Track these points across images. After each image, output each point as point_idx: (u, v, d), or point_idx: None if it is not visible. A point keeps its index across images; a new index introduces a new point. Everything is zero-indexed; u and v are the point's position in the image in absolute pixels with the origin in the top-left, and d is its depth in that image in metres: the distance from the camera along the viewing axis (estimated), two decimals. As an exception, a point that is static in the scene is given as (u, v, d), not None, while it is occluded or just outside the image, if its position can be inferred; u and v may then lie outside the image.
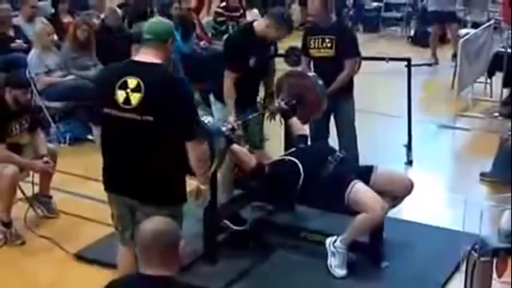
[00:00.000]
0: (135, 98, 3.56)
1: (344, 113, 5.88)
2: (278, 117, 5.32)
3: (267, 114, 5.34)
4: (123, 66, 3.75)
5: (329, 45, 5.70)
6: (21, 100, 5.24)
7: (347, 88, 5.82)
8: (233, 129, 4.74)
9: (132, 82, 3.57)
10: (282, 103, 5.29)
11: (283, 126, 5.45)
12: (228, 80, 5.10)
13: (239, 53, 5.12)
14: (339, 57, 5.69)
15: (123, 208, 3.85)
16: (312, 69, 5.85)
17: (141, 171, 3.67)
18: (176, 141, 3.60)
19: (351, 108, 5.91)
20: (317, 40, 5.73)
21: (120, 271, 4.04)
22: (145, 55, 3.69)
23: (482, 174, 6.27)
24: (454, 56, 10.62)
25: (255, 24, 5.21)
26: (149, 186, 3.67)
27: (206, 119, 4.29)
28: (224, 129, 4.62)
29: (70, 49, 7.59)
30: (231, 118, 4.99)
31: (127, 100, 3.57)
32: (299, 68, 5.93)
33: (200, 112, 4.34)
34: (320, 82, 5.37)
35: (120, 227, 3.94)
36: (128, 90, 3.57)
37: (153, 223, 2.87)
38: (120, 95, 3.59)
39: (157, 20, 3.87)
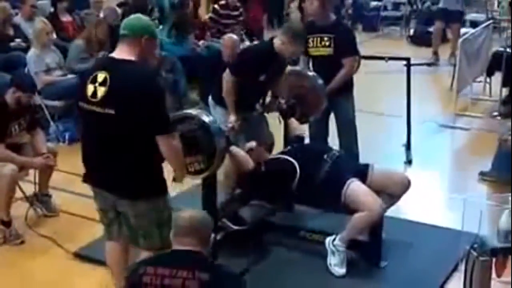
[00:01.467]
0: (100, 91, 3.58)
1: (344, 112, 5.88)
2: (277, 115, 5.32)
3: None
4: (99, 62, 3.82)
5: (327, 43, 5.69)
6: (23, 102, 5.25)
7: (347, 87, 5.81)
8: (233, 129, 4.74)
9: (101, 76, 3.60)
10: (282, 103, 5.30)
11: (282, 127, 5.46)
12: (229, 82, 5.08)
13: (252, 68, 5.08)
14: (338, 56, 5.68)
15: (104, 202, 3.87)
16: (311, 68, 5.85)
17: (111, 165, 3.68)
18: (144, 135, 3.57)
19: (351, 107, 5.91)
20: (315, 39, 5.73)
21: (111, 267, 4.06)
22: (119, 51, 3.70)
23: (482, 173, 6.28)
24: (452, 55, 10.67)
25: (274, 40, 5.15)
26: (119, 179, 3.67)
27: (207, 117, 4.29)
28: (225, 129, 4.60)
29: (82, 48, 7.58)
30: (232, 117, 4.98)
31: (94, 93, 3.60)
32: (298, 67, 5.92)
33: (199, 110, 4.36)
34: (320, 81, 5.38)
35: (105, 221, 3.96)
36: (96, 84, 3.60)
37: (191, 212, 3.20)
38: (89, 88, 3.62)
39: (135, 17, 3.83)
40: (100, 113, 3.58)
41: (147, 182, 3.69)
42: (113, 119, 3.55)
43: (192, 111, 4.33)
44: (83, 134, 3.89)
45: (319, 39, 5.71)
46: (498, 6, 12.72)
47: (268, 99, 5.51)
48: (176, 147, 3.70)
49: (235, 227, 4.97)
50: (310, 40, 5.74)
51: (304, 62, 5.95)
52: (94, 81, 3.61)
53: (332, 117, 5.94)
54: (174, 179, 3.89)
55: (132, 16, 3.85)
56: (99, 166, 3.78)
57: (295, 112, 5.34)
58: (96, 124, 3.67)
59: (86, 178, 3.91)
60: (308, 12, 5.87)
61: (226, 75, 5.11)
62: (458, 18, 10.84)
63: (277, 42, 5.10)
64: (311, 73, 5.52)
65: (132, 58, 3.64)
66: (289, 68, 5.54)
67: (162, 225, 3.75)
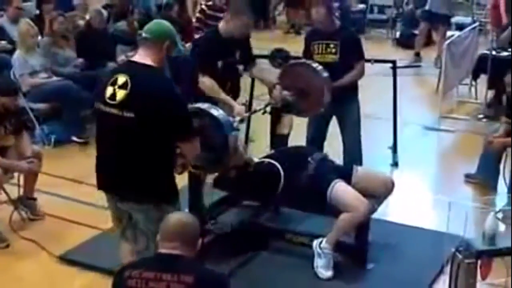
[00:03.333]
0: (120, 94, 3.58)
1: (349, 116, 5.86)
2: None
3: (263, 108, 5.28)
4: (121, 65, 3.78)
5: (333, 50, 5.67)
6: (10, 106, 5.23)
7: (353, 89, 5.80)
8: (242, 121, 4.71)
9: (121, 79, 3.60)
10: (287, 95, 5.28)
11: (268, 128, 5.45)
12: (206, 81, 5.01)
13: (206, 58, 5.03)
14: (344, 62, 5.67)
15: (117, 208, 3.83)
16: None
17: (122, 167, 3.66)
18: (161, 140, 3.59)
19: (357, 111, 5.89)
20: (321, 45, 5.71)
21: None
22: (139, 56, 3.72)
23: (467, 176, 6.30)
24: (439, 58, 10.70)
25: (219, 25, 5.15)
26: (129, 182, 3.65)
27: (216, 112, 4.24)
28: (235, 124, 4.52)
29: (49, 43, 7.65)
30: (236, 108, 4.88)
31: (113, 95, 3.60)
32: (303, 59, 5.83)
33: (208, 105, 4.31)
34: (326, 74, 5.35)
35: (119, 226, 3.92)
36: (116, 87, 3.60)
37: (178, 215, 3.19)
38: (108, 90, 3.63)
39: (157, 22, 3.86)
40: (118, 116, 3.58)
41: (155, 186, 3.67)
42: (132, 123, 3.55)
43: (202, 106, 4.27)
44: (98, 138, 3.84)
45: (324, 45, 5.70)
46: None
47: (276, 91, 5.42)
48: (197, 149, 3.77)
49: (221, 230, 4.97)
50: (316, 47, 5.73)
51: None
52: (114, 83, 3.62)
53: (332, 123, 5.94)
54: (176, 170, 3.88)
55: (155, 21, 3.89)
56: (110, 168, 3.73)
57: (295, 106, 5.32)
58: (113, 127, 3.65)
59: (100, 184, 3.84)
60: (314, 19, 5.84)
61: (200, 79, 5.03)
62: (443, 21, 10.87)
63: (221, 24, 5.11)
64: (317, 66, 5.43)
65: (152, 62, 3.66)
66: (295, 60, 5.55)
67: None
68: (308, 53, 5.82)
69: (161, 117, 3.53)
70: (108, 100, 3.62)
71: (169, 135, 3.60)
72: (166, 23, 3.82)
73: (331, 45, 5.68)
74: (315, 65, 5.47)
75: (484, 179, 6.06)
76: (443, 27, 10.88)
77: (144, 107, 3.54)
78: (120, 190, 3.74)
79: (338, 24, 5.81)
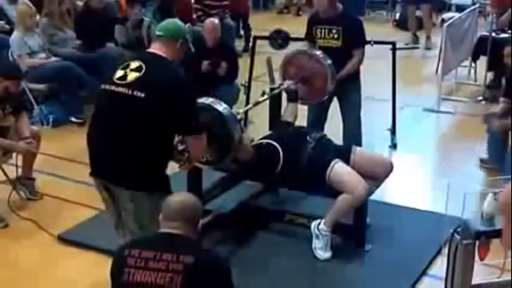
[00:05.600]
0: (131, 76, 3.61)
1: (350, 99, 5.86)
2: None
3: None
4: (135, 54, 3.91)
5: (336, 36, 5.66)
6: (12, 90, 5.22)
7: (354, 74, 5.80)
8: (246, 112, 4.70)
9: (134, 64, 3.66)
10: (291, 84, 5.28)
11: (267, 109, 5.45)
12: None
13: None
14: (346, 48, 5.67)
15: (105, 193, 3.80)
16: None
17: (121, 150, 3.61)
18: (163, 126, 3.58)
19: (358, 94, 5.90)
20: (323, 30, 5.70)
21: None
22: (154, 49, 3.79)
23: (482, 161, 6.23)
24: (428, 39, 10.68)
25: None
26: (125, 166, 3.61)
27: (220, 106, 4.25)
28: (239, 116, 4.53)
29: (48, 24, 7.63)
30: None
31: (123, 77, 3.63)
32: (307, 48, 5.81)
33: (211, 99, 4.32)
34: (329, 61, 5.37)
35: (110, 214, 3.90)
36: (128, 70, 3.64)
37: (181, 196, 3.21)
38: (118, 73, 3.65)
39: (172, 21, 3.94)
40: (126, 95, 3.57)
41: (150, 174, 3.65)
42: (141, 103, 3.54)
43: (205, 101, 4.28)
44: (95, 119, 3.79)
45: (327, 30, 5.69)
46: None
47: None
48: (204, 147, 3.84)
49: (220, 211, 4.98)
50: (318, 31, 5.72)
51: (310, 48, 5.91)
52: (125, 67, 3.65)
53: (333, 105, 5.94)
54: (181, 166, 3.91)
55: (169, 20, 3.96)
56: (106, 151, 3.68)
57: (298, 94, 5.32)
58: (117, 106, 3.64)
59: (92, 169, 3.80)
60: (316, 6, 5.81)
61: None
62: (426, 0, 10.85)
63: None
64: (327, 61, 5.44)
65: (166, 56, 3.73)
66: (298, 48, 5.54)
67: None
68: (310, 36, 5.81)
69: (171, 103, 3.54)
70: (116, 81, 3.63)
71: (174, 124, 3.60)
72: (180, 23, 3.90)
73: (334, 31, 5.67)
74: (318, 53, 5.48)
75: (495, 163, 6.02)
76: (427, 5, 10.85)
77: (155, 89, 3.56)
78: (113, 172, 3.68)
79: (341, 8, 5.78)
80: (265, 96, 5.23)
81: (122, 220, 3.79)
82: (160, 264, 2.90)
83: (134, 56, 3.81)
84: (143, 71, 3.60)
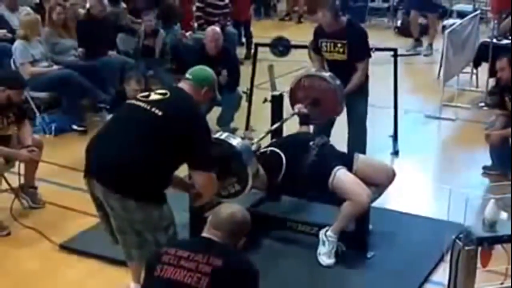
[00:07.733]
0: (155, 96, 3.80)
1: (357, 108, 5.89)
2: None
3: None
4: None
5: (341, 50, 5.70)
6: (15, 99, 5.24)
7: (361, 84, 5.82)
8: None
9: (160, 90, 3.87)
10: (302, 107, 5.33)
11: (269, 116, 5.45)
12: None
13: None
14: (352, 61, 5.71)
15: (97, 201, 3.84)
16: (327, 68, 5.84)
17: (121, 155, 3.64)
18: (172, 149, 3.65)
19: (365, 104, 5.94)
20: (328, 44, 5.75)
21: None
22: (182, 86, 3.97)
23: (485, 168, 6.23)
24: (430, 46, 10.69)
25: None
26: (120, 169, 3.63)
27: (235, 140, 4.26)
28: (253, 147, 4.55)
29: (50, 33, 7.67)
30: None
31: (147, 96, 3.82)
32: (314, 69, 5.84)
33: (226, 134, 4.37)
34: (338, 82, 5.43)
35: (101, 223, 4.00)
36: (153, 92, 3.83)
37: (234, 209, 3.27)
38: (144, 93, 3.87)
39: (201, 67, 4.08)
40: (145, 109, 3.71)
41: (148, 186, 3.66)
42: (156, 119, 3.67)
43: (220, 136, 4.31)
44: (106, 126, 3.96)
45: (332, 44, 5.73)
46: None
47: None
48: (211, 184, 3.87)
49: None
50: (324, 45, 5.77)
51: (319, 62, 5.93)
52: (151, 90, 3.88)
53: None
54: (194, 201, 4.06)
55: (199, 66, 4.10)
56: (107, 153, 3.71)
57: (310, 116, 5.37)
58: (133, 117, 3.78)
59: (86, 169, 3.82)
60: (320, 21, 5.82)
61: None
62: (433, 10, 10.88)
63: None
64: (336, 81, 5.48)
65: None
66: (305, 71, 5.59)
67: (158, 230, 3.75)
68: (317, 48, 5.86)
69: (184, 132, 3.66)
70: (140, 97, 3.82)
71: (182, 152, 3.67)
72: (209, 71, 4.08)
73: (339, 44, 5.71)
74: (326, 74, 5.53)
75: (500, 169, 6.01)
76: (433, 15, 10.88)
77: (173, 113, 3.70)
78: (108, 176, 3.67)
79: (345, 21, 5.78)
80: (277, 124, 5.26)
81: (113, 225, 3.85)
82: (191, 264, 3.00)
83: (162, 87, 4.07)
84: (167, 96, 3.80)
